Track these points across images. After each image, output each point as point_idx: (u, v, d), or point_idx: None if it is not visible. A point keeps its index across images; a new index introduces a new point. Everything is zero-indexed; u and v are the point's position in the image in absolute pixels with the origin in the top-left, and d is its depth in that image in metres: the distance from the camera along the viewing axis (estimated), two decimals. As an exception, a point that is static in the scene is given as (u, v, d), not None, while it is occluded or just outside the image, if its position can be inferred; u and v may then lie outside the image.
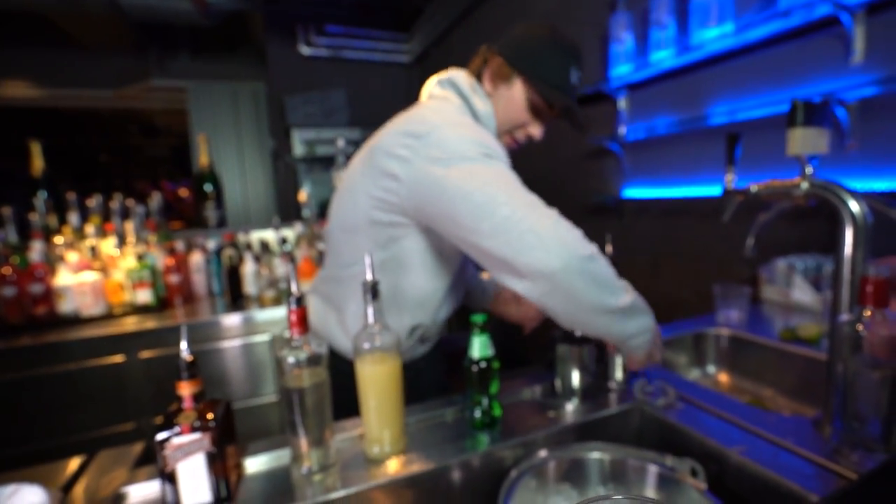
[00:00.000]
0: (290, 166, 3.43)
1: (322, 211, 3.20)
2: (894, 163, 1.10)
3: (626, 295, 0.68)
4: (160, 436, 0.56)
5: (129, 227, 1.89)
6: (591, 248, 0.66)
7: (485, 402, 0.70)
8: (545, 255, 0.62)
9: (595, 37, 1.95)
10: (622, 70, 1.70)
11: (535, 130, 0.87)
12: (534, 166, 2.57)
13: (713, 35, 1.35)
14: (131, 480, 0.64)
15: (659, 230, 1.80)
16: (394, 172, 0.74)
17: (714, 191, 1.55)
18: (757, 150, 1.27)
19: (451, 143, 0.70)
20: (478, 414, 0.70)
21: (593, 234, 0.85)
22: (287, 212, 3.74)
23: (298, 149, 3.22)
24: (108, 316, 1.67)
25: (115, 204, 1.95)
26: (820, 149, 0.66)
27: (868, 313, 0.55)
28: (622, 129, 1.85)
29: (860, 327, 0.56)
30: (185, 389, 0.58)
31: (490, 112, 0.86)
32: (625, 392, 0.80)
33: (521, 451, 0.68)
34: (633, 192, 1.90)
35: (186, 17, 3.28)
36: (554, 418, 0.73)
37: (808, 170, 0.66)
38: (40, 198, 1.86)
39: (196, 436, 0.57)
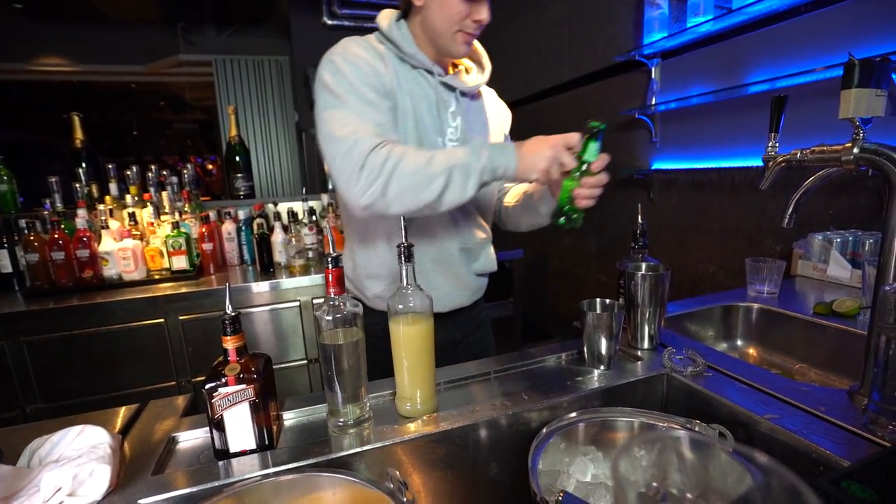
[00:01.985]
0: (315, 140, 3.45)
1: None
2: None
3: (434, 167, 0.76)
4: (209, 385, 0.60)
5: (165, 196, 1.95)
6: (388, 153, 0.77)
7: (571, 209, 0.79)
8: (349, 186, 0.78)
9: (629, 2, 1.87)
10: (656, 37, 1.64)
11: (481, 14, 0.86)
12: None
13: (758, -4, 1.28)
14: (180, 427, 0.69)
15: (688, 203, 1.75)
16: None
17: (749, 161, 1.49)
18: (798, 120, 1.21)
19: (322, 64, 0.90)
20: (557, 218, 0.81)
21: (622, 208, 0.84)
22: (313, 184, 3.79)
23: (323, 122, 3.22)
24: (148, 281, 1.75)
25: (151, 175, 2.01)
26: (876, 111, 0.62)
27: (915, 282, 0.53)
28: (653, 100, 1.78)
29: (905, 297, 0.54)
30: (230, 343, 0.61)
31: (404, 34, 0.91)
32: (652, 360, 0.80)
33: (547, 414, 0.70)
34: (663, 164, 1.85)
35: (212, -11, 3.28)
36: (581, 383, 0.75)
37: (861, 134, 0.63)
38: (82, 168, 1.93)
39: (241, 386, 0.60)
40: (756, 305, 1.06)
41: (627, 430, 0.65)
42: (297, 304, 1.80)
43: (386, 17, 0.93)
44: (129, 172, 1.94)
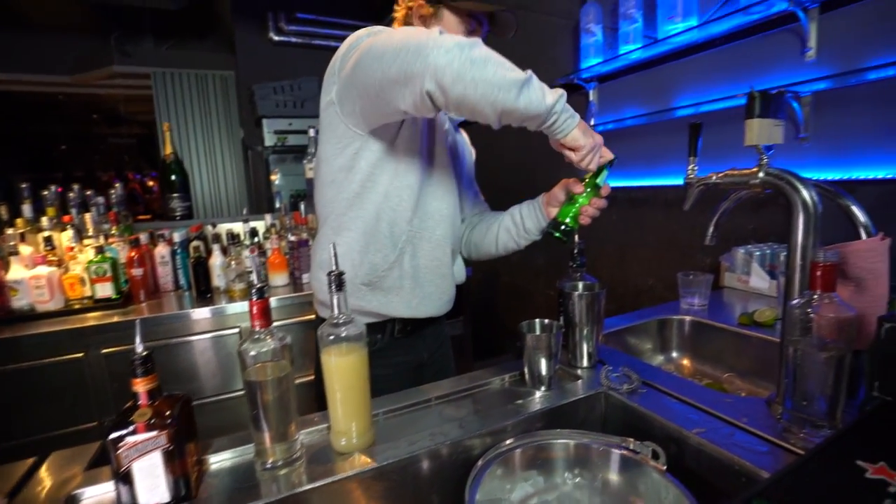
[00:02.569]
0: (261, 157, 3.34)
1: (294, 202, 3.13)
2: (844, 154, 1.15)
3: (519, 71, 0.69)
4: (113, 435, 0.54)
5: (88, 218, 1.81)
6: (469, 41, 0.69)
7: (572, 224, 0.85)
8: (431, 51, 0.66)
9: (567, 28, 1.96)
10: (592, 62, 1.72)
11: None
12: (508, 153, 2.58)
13: (678, 28, 1.38)
14: (86, 482, 0.62)
15: (627, 219, 1.83)
16: (330, 100, 0.84)
17: (678, 180, 1.59)
18: (719, 142, 1.30)
19: (346, 45, 0.82)
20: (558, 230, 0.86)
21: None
22: (259, 203, 3.65)
23: (269, 139, 3.14)
24: (67, 311, 1.60)
25: (73, 195, 1.86)
26: (775, 139, 0.68)
27: (817, 297, 0.57)
28: (592, 121, 1.87)
29: (809, 311, 0.58)
30: (141, 386, 0.56)
31: None
32: (591, 379, 0.81)
33: (489, 440, 0.69)
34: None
35: (150, 0, 3.13)
36: (522, 406, 0.74)
37: (764, 159, 0.68)
38: (-12, 188, 1.75)
39: (152, 433, 0.55)
40: (688, 318, 1.11)
41: (564, 451, 0.65)
42: (238, 330, 1.71)
43: None
44: (45, 192, 1.79)
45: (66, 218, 1.83)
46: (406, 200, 0.88)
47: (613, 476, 0.64)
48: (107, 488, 0.61)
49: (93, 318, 1.56)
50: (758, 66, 1.30)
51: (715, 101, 1.36)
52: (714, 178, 0.74)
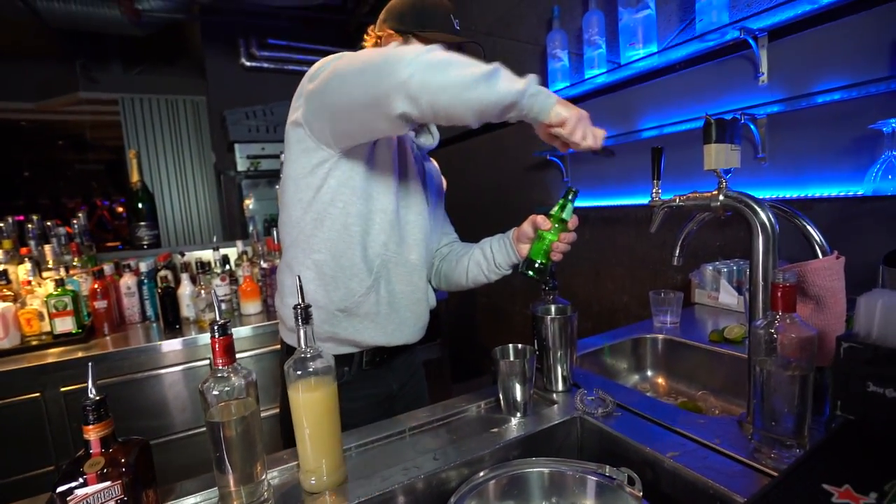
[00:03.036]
0: (234, 182, 3.29)
1: (267, 228, 3.08)
2: (800, 173, 1.20)
3: (484, 66, 0.68)
4: (61, 488, 0.50)
5: (49, 250, 1.74)
6: (426, 48, 0.69)
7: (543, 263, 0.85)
8: (393, 68, 0.67)
9: (535, 54, 2.02)
10: (560, 86, 1.77)
11: None
12: (479, 179, 2.61)
13: (640, 54, 1.44)
14: (32, 539, 0.58)
15: (600, 238, 1.87)
16: (296, 120, 0.83)
17: (647, 199, 1.63)
18: (683, 161, 1.35)
19: (314, 68, 0.82)
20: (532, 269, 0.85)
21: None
22: (233, 229, 3.58)
23: (242, 164, 3.10)
24: (23, 349, 1.52)
25: (31, 226, 1.79)
26: (732, 163, 0.70)
27: (779, 317, 0.59)
28: (563, 143, 1.91)
29: (773, 331, 0.59)
30: (93, 433, 0.53)
31: None
32: (566, 403, 0.81)
33: (465, 471, 0.67)
34: (576, 202, 1.96)
35: (117, 27, 3.10)
36: (498, 435, 0.73)
37: (724, 183, 0.70)
38: (-60, 220, 1.67)
39: (104, 484, 0.51)
40: (661, 336, 1.13)
41: (539, 480, 0.64)
42: (209, 361, 1.64)
43: None
44: (1, 224, 1.71)
45: (23, 250, 1.75)
46: (378, 224, 0.87)
47: (590, 503, 0.63)
48: (55, 546, 0.57)
49: (52, 355, 1.48)
50: (715, 90, 1.36)
51: (677, 123, 1.41)
52: (677, 200, 0.76)
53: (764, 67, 1.20)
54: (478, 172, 2.62)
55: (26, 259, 1.69)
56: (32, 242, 1.76)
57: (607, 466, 0.63)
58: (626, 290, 1.78)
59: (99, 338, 1.66)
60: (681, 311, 1.21)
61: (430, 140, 1.06)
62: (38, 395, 1.41)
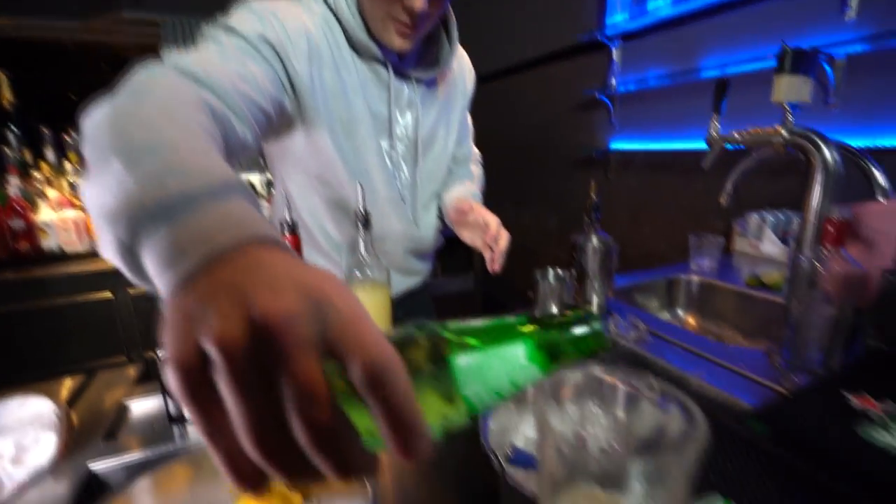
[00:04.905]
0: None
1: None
2: (873, 121, 1.13)
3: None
4: (162, 352, 0.59)
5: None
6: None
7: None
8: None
9: (593, -19, 1.89)
10: (618, 18, 1.67)
11: (413, 1, 0.68)
12: (525, 119, 2.54)
13: (711, -17, 1.33)
14: (132, 395, 0.68)
15: (642, 183, 1.83)
16: None
17: (699, 145, 1.57)
18: (743, 105, 1.28)
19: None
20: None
21: (580, 186, 0.87)
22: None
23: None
24: (94, 254, 1.67)
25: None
26: (803, 98, 0.68)
27: (826, 253, 0.60)
28: (613, 81, 1.83)
29: (818, 265, 0.60)
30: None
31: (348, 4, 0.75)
32: (599, 328, 0.85)
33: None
34: (620, 145, 1.91)
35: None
36: (532, 349, 0.79)
37: (790, 118, 0.68)
38: (13, 132, 1.79)
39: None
40: (696, 278, 1.14)
41: (573, 383, 0.70)
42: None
43: None
44: (68, 138, 1.82)
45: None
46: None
47: (620, 409, 0.69)
48: (151, 402, 0.67)
49: (118, 261, 1.62)
50: (791, 26, 1.26)
51: (743, 63, 1.33)
52: (736, 135, 0.74)
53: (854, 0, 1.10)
54: (522, 111, 2.55)
55: (91, 172, 1.81)
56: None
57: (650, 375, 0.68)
58: (665, 237, 1.77)
59: (158, 249, 1.79)
60: (719, 258, 1.21)
61: (437, 63, 0.87)
62: (110, 295, 1.57)
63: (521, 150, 2.59)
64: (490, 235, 0.83)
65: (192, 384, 0.20)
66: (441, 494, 0.62)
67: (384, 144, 0.85)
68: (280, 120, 0.70)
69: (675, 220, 1.71)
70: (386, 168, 0.86)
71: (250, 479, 0.21)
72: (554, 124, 2.31)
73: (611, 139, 1.96)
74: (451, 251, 1.09)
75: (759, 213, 1.32)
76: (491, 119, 2.60)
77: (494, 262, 0.82)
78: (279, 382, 0.20)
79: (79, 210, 1.68)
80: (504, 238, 0.85)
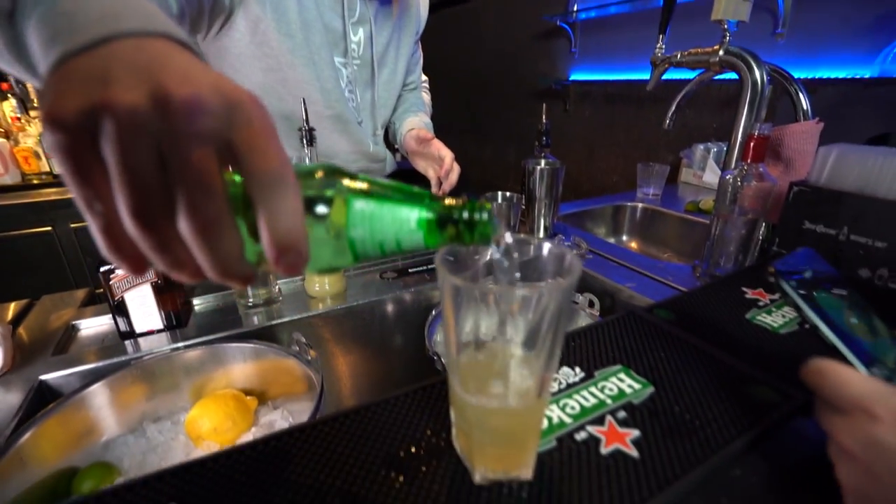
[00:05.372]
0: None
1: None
2: (814, 54, 1.17)
3: None
4: (104, 268, 0.59)
5: (31, 87, 1.67)
6: None
7: None
8: None
9: None
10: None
11: None
12: (483, 49, 2.45)
13: None
14: (80, 316, 0.68)
15: (599, 116, 1.84)
16: None
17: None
18: (697, 34, 1.29)
19: None
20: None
21: (538, 119, 0.88)
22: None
23: None
24: (26, 186, 1.56)
25: (8, 59, 1.69)
26: (741, 16, 0.69)
27: (746, 167, 0.64)
28: (575, 7, 1.78)
29: (739, 181, 0.65)
30: (123, 226, 0.59)
31: None
32: (545, 248, 0.90)
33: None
34: (580, 76, 1.90)
35: None
36: (480, 267, 0.82)
37: (727, 37, 0.70)
38: None
39: (140, 268, 0.60)
40: (640, 205, 1.20)
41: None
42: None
43: None
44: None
45: (3, 85, 1.69)
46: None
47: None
48: (101, 321, 0.67)
49: (55, 194, 1.52)
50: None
51: (700, -12, 1.31)
52: (679, 56, 0.76)
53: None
54: (480, 40, 2.45)
55: (9, 95, 1.64)
56: (11, 78, 1.68)
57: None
58: (618, 171, 1.82)
59: (98, 181, 1.69)
60: (664, 187, 1.27)
61: None
62: (49, 229, 1.49)
63: (481, 82, 2.52)
64: (444, 169, 0.89)
65: (74, 145, 0.19)
66: (388, 391, 0.67)
67: (338, 61, 0.82)
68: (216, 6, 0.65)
69: (628, 153, 1.76)
70: (338, 86, 0.84)
71: (128, 256, 0.21)
72: (513, 55, 2.25)
73: (571, 70, 1.93)
74: (411, 181, 1.09)
75: (705, 145, 1.38)
76: (448, 49, 2.49)
77: (441, 194, 0.85)
78: (172, 168, 0.19)
79: (2, 137, 1.54)
80: (455, 173, 0.91)
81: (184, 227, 0.20)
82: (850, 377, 0.24)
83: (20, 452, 0.43)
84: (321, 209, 0.23)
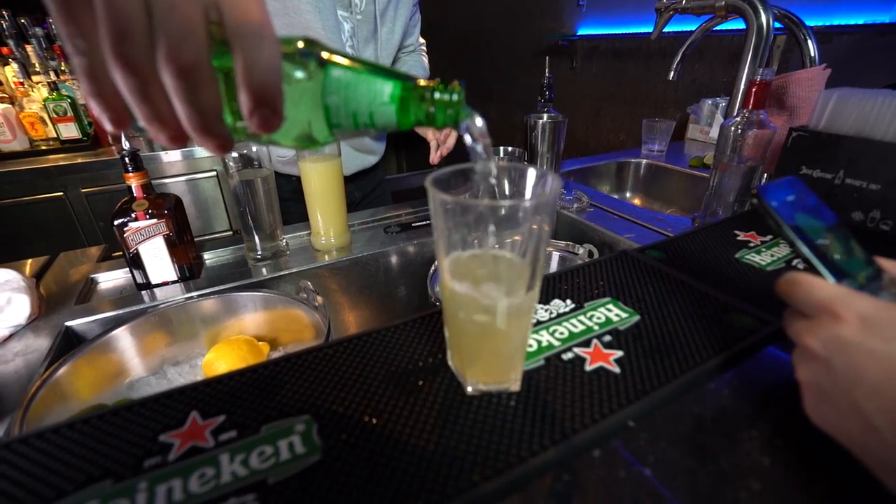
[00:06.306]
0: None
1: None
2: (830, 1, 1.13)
3: None
4: (118, 221, 0.61)
5: (31, 52, 1.66)
6: None
7: None
8: None
9: None
10: None
11: None
12: (489, 3, 2.37)
13: None
14: (98, 270, 0.71)
15: (606, 72, 1.80)
16: None
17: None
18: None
19: None
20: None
21: (543, 76, 0.87)
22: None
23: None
24: (34, 152, 1.57)
25: (4, 23, 1.67)
26: (748, -43, 0.67)
27: (747, 114, 0.64)
28: (584, -45, 1.71)
29: (739, 129, 0.65)
30: (134, 181, 0.61)
31: None
32: (546, 202, 0.91)
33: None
34: (588, 30, 1.84)
35: None
36: (482, 221, 0.84)
37: (733, -20, 0.68)
38: None
39: (152, 221, 0.62)
40: (644, 161, 1.19)
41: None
42: (215, 173, 1.72)
43: None
44: (-25, 19, 1.60)
45: (4, 50, 1.68)
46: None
47: (554, 268, 0.77)
48: (118, 275, 0.71)
49: (64, 159, 1.54)
50: None
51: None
52: (684, 1, 0.74)
53: None
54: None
55: (10, 60, 1.63)
56: (11, 42, 1.67)
57: (572, 243, 0.75)
58: (625, 129, 1.80)
59: (105, 146, 1.70)
60: (669, 142, 1.26)
61: None
62: (60, 194, 1.52)
63: (486, 40, 2.45)
64: (443, 133, 0.90)
65: None
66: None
67: (341, 14, 0.82)
68: None
69: (635, 111, 1.72)
70: (340, 39, 0.84)
71: (109, 102, 0.22)
72: (518, 11, 2.17)
73: (578, 24, 1.87)
74: (414, 147, 1.11)
75: (713, 100, 1.35)
76: (453, 6, 2.41)
77: (437, 156, 0.91)
78: (157, 11, 0.20)
79: (6, 103, 1.55)
80: (453, 137, 0.94)
81: (164, 72, 0.20)
82: (820, 283, 0.26)
83: (57, 387, 0.47)
84: (299, 72, 0.23)
